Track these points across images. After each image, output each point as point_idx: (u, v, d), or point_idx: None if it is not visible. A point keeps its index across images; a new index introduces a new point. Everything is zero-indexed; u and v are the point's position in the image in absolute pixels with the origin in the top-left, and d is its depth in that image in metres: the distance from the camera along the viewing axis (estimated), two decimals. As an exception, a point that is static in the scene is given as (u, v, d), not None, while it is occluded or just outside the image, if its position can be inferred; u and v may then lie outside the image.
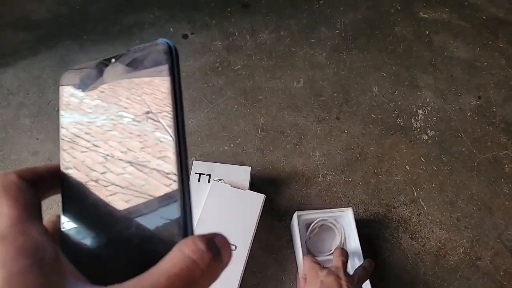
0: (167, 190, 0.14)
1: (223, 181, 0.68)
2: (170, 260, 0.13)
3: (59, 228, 0.17)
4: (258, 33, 1.04)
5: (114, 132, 0.16)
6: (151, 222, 0.15)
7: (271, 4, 1.11)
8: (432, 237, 0.76)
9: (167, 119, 0.15)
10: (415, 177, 0.83)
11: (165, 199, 0.14)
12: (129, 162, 0.15)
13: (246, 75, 0.96)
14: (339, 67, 0.99)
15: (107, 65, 0.18)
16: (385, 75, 0.99)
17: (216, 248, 0.14)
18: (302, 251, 0.66)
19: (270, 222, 0.74)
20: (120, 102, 0.16)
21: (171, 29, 1.04)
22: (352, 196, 0.79)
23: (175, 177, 0.14)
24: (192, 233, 0.14)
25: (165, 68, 0.15)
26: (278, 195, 0.78)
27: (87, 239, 0.16)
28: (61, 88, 0.20)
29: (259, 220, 0.64)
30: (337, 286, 0.52)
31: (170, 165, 0.15)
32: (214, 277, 0.14)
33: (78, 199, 0.17)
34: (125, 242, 0.15)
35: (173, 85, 0.15)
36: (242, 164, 0.81)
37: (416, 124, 0.91)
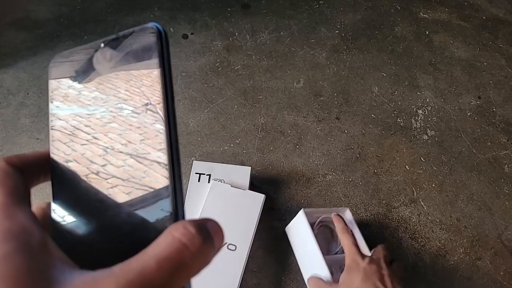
0: (167, 182, 0.14)
1: (223, 181, 0.68)
2: (160, 243, 0.13)
3: (49, 215, 0.17)
4: (258, 33, 1.04)
5: (113, 124, 0.16)
6: (142, 209, 0.15)
7: (271, 5, 1.11)
8: (432, 237, 0.76)
9: (162, 109, 0.15)
10: (415, 177, 0.83)
11: (159, 189, 0.14)
12: (129, 154, 0.15)
13: (246, 75, 0.96)
14: (339, 67, 0.99)
15: (96, 51, 0.17)
16: (385, 75, 0.99)
17: (208, 232, 0.14)
18: (320, 248, 0.59)
19: (270, 222, 0.74)
20: (119, 94, 0.16)
21: (172, 29, 1.04)
22: (352, 196, 0.79)
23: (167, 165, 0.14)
24: (183, 218, 0.14)
25: (154, 52, 0.15)
26: (278, 195, 0.78)
27: (77, 226, 0.16)
28: (51, 80, 0.20)
29: (259, 220, 0.64)
30: (378, 276, 0.51)
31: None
32: (205, 261, 0.14)
33: (68, 186, 0.17)
34: (116, 229, 0.15)
35: (163, 70, 0.15)
36: (242, 164, 0.81)
37: (416, 124, 0.91)
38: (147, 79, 0.15)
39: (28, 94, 0.90)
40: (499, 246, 0.76)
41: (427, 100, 0.95)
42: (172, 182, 0.14)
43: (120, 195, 0.15)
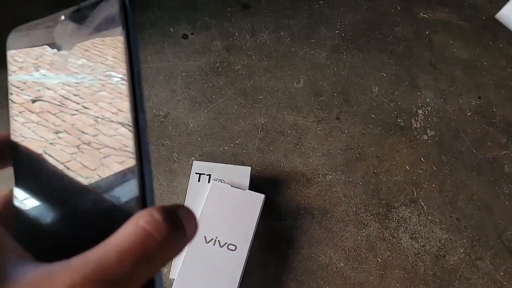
0: (132, 161, 0.14)
1: (223, 181, 0.68)
2: (122, 233, 0.12)
3: (11, 203, 0.16)
4: (258, 33, 1.04)
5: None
6: (108, 195, 0.14)
7: (271, 5, 1.11)
8: (432, 237, 0.76)
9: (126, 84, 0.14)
10: (415, 177, 0.83)
11: (125, 171, 0.14)
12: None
13: (246, 75, 0.96)
14: (339, 67, 0.99)
15: (56, 24, 0.16)
16: (385, 75, 0.99)
17: (177, 220, 0.13)
18: None
19: (270, 222, 0.74)
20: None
21: (171, 29, 1.04)
22: (352, 196, 0.79)
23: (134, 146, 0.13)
24: (152, 204, 0.13)
25: (118, 25, 0.14)
26: (278, 195, 0.78)
27: (41, 213, 0.15)
28: (10, 51, 0.18)
29: (259, 220, 0.64)
30: None
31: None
32: (173, 251, 0.13)
33: (32, 172, 0.16)
34: (81, 216, 0.14)
35: (128, 43, 0.14)
36: (242, 164, 0.81)
37: (416, 124, 0.91)
38: (112, 51, 0.15)
39: (28, 94, 0.90)
40: (499, 246, 0.76)
41: (427, 100, 0.95)
42: (139, 163, 0.13)
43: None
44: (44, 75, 0.17)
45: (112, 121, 0.15)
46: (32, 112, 0.16)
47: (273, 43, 1.02)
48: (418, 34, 1.08)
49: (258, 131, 0.87)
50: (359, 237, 0.75)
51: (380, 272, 0.71)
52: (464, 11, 1.15)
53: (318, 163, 0.83)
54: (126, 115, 0.15)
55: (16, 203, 0.16)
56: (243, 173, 0.69)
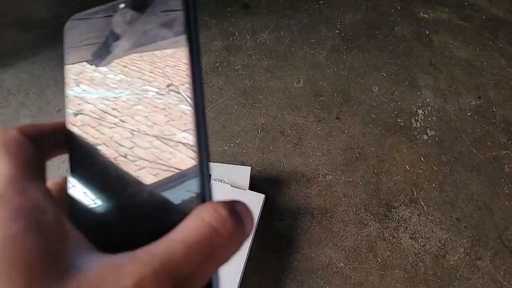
0: (193, 163, 0.14)
1: (223, 181, 0.68)
2: (188, 226, 0.12)
3: (66, 191, 0.16)
4: (258, 33, 1.04)
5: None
6: (165, 187, 0.14)
7: (271, 4, 1.11)
8: (432, 237, 0.76)
9: (188, 91, 0.14)
10: (415, 177, 0.83)
11: (181, 162, 0.14)
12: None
13: (246, 75, 0.96)
14: (339, 67, 0.99)
15: (115, 12, 0.16)
16: (385, 75, 0.99)
17: (239, 216, 0.12)
18: None
19: (270, 222, 0.74)
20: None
21: (171, 29, 1.04)
22: (352, 196, 0.79)
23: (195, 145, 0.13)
24: (210, 199, 0.13)
25: (179, 13, 0.14)
26: (278, 195, 0.78)
27: (96, 204, 0.15)
28: (67, 39, 0.18)
29: (259, 220, 0.64)
30: None
31: (195, 138, 0.14)
32: (236, 248, 0.12)
33: (87, 161, 0.16)
34: (138, 209, 0.14)
35: (189, 32, 0.14)
36: (242, 164, 0.81)
37: (416, 124, 0.91)
38: (171, 57, 0.15)
39: (28, 94, 0.90)
40: (499, 246, 0.76)
41: (427, 100, 0.95)
42: (200, 163, 0.13)
43: (148, 177, 0.14)
44: (84, 90, 0.17)
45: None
46: (74, 125, 0.17)
47: (273, 43, 1.02)
48: (418, 34, 1.08)
49: (258, 131, 0.87)
50: (359, 237, 0.75)
51: (380, 272, 0.71)
52: (464, 11, 1.15)
53: (318, 163, 0.83)
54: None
55: (71, 191, 0.16)
56: (243, 173, 0.69)
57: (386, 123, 0.90)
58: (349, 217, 0.77)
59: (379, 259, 0.73)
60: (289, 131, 0.87)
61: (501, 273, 0.73)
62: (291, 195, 0.78)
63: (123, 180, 0.15)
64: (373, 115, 0.91)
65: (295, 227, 0.75)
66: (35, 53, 0.97)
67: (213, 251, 0.11)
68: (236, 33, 1.04)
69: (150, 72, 0.16)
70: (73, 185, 0.16)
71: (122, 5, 0.16)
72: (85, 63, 0.17)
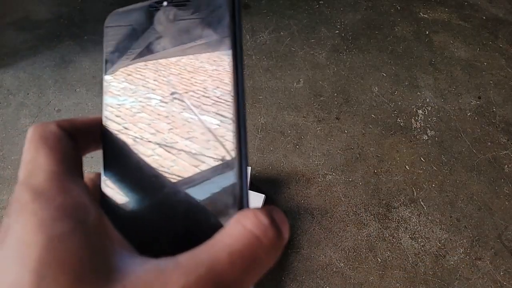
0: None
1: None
2: (230, 233, 0.11)
3: (99, 187, 0.15)
4: (258, 33, 1.04)
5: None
6: (201, 190, 0.14)
7: (271, 5, 1.11)
8: (432, 237, 0.76)
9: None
10: (415, 177, 0.83)
11: (220, 168, 0.13)
12: (158, 143, 0.15)
13: (246, 75, 0.96)
14: (339, 67, 0.99)
15: (158, 9, 0.16)
16: (385, 75, 0.99)
17: (277, 224, 0.12)
18: None
19: (270, 222, 0.74)
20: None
21: (171, 29, 1.04)
22: (352, 196, 0.79)
23: (226, 150, 0.13)
24: (248, 205, 0.13)
25: (224, 14, 0.14)
26: (278, 195, 0.78)
27: (129, 202, 0.15)
28: (107, 33, 0.18)
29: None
30: None
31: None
32: (276, 256, 0.12)
33: (121, 158, 0.15)
34: (172, 209, 0.14)
35: (234, 36, 0.14)
36: (242, 164, 0.81)
37: (416, 124, 0.91)
38: (213, 59, 0.14)
39: (28, 94, 0.90)
40: (499, 246, 0.76)
41: (427, 100, 0.95)
42: (239, 168, 0.13)
43: (185, 178, 0.14)
44: (122, 86, 0.17)
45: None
46: (110, 122, 0.16)
47: (273, 43, 1.02)
48: (418, 34, 1.08)
49: (258, 131, 0.87)
50: (359, 237, 0.75)
51: (380, 272, 0.71)
52: (464, 11, 1.15)
53: (318, 163, 0.83)
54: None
55: (104, 188, 0.15)
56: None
57: (386, 123, 0.90)
58: (349, 217, 0.77)
59: (379, 259, 0.73)
60: (289, 131, 0.87)
61: (501, 273, 0.73)
62: (291, 195, 0.78)
63: (159, 180, 0.14)
64: (373, 115, 0.91)
65: (295, 227, 0.75)
66: (35, 53, 0.97)
67: (256, 260, 0.11)
68: (236, 33, 1.04)
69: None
70: (106, 182, 0.15)
71: (165, 3, 0.16)
72: (124, 58, 0.17)
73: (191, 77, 0.15)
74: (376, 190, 0.80)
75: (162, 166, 0.14)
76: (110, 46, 0.17)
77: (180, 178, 0.14)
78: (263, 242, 0.11)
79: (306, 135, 0.87)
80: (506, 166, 0.86)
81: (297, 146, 0.85)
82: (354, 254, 0.73)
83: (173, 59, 0.16)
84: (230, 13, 0.14)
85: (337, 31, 1.07)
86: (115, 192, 0.15)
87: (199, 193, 0.14)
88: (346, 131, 0.88)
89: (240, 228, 0.12)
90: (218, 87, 0.14)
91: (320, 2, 1.13)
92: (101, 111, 0.17)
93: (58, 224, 0.11)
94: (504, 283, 0.72)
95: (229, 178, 0.13)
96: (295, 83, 0.95)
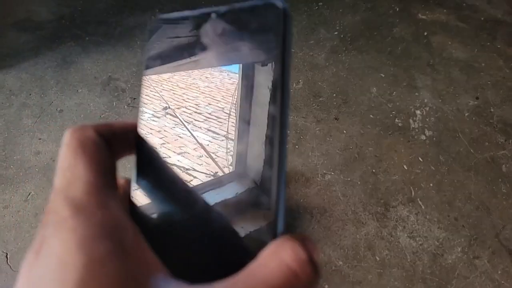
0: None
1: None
2: (267, 266, 0.11)
3: (129, 197, 0.15)
4: (258, 34, 1.05)
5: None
6: (235, 211, 0.13)
7: (271, 6, 1.12)
8: (430, 236, 0.76)
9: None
10: (413, 177, 0.83)
11: (255, 190, 0.13)
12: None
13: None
14: (338, 68, 1.00)
15: (205, 21, 0.15)
16: (383, 76, 1.00)
17: (313, 257, 0.12)
18: None
19: (269, 221, 0.75)
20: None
21: (172, 31, 1.05)
22: (350, 195, 0.80)
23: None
24: (282, 231, 0.12)
25: (273, 40, 0.13)
26: (278, 195, 0.78)
27: (161, 216, 0.14)
28: (152, 38, 0.17)
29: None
30: None
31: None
32: None
33: (155, 168, 0.15)
34: (204, 228, 0.13)
35: (282, 68, 0.13)
36: (242, 163, 0.82)
37: (414, 124, 0.92)
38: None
39: (30, 94, 0.91)
40: (497, 245, 0.76)
41: (425, 100, 0.96)
42: (277, 194, 0.12)
43: (218, 196, 0.14)
44: (161, 94, 0.16)
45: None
46: (147, 128, 0.16)
47: (272, 44, 1.03)
48: (417, 35, 1.09)
49: (257, 131, 0.87)
50: (357, 236, 0.75)
51: (379, 270, 0.72)
52: (462, 12, 1.16)
53: (317, 162, 0.84)
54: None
55: (134, 197, 0.15)
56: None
57: (385, 123, 0.91)
58: (348, 216, 0.77)
59: (377, 258, 0.73)
60: (288, 131, 0.88)
61: (499, 272, 0.73)
62: (291, 195, 0.79)
63: (192, 196, 0.14)
64: (371, 116, 0.92)
65: (294, 226, 0.75)
66: (36, 54, 0.98)
67: None
68: (236, 34, 1.05)
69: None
70: (137, 192, 0.15)
71: (214, 15, 0.15)
72: (166, 66, 0.16)
73: (229, 94, 0.15)
74: (374, 190, 0.81)
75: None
76: (152, 51, 0.17)
77: (214, 200, 0.13)
78: (301, 278, 0.11)
79: (305, 135, 0.87)
80: (503, 166, 0.86)
81: (297, 146, 0.86)
82: (352, 252, 0.74)
83: (216, 73, 0.15)
84: (281, 37, 0.13)
85: (336, 33, 1.08)
86: (146, 203, 0.14)
87: (233, 215, 0.13)
88: (345, 131, 0.89)
89: (278, 262, 0.11)
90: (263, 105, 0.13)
91: (319, 3, 1.14)
92: (135, 116, 0.16)
93: (98, 245, 0.10)
94: (502, 282, 0.72)
95: (265, 201, 0.12)
96: (294, 84, 0.96)
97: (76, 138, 0.13)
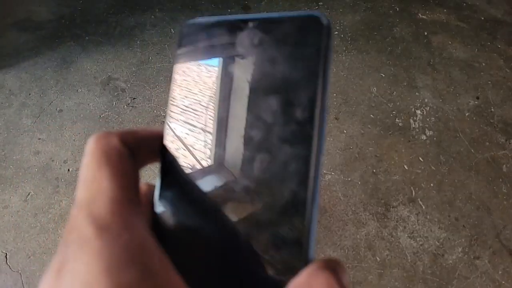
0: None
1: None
2: None
3: (151, 206, 0.14)
4: (258, 34, 1.05)
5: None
6: (264, 235, 0.12)
7: (271, 6, 1.12)
8: (431, 236, 0.76)
9: (313, 134, 0.13)
10: (413, 177, 0.83)
11: (289, 210, 0.12)
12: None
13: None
14: (338, 68, 1.00)
15: (242, 29, 0.14)
16: (383, 75, 1.00)
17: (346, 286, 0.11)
18: None
19: (269, 221, 0.75)
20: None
21: (172, 30, 1.05)
22: (351, 195, 0.80)
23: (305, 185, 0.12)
24: (313, 257, 0.12)
25: (314, 56, 0.12)
26: (278, 195, 0.78)
27: (184, 232, 0.13)
28: (183, 42, 0.16)
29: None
30: None
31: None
32: None
33: (181, 182, 0.14)
34: (231, 252, 0.12)
35: (323, 86, 0.12)
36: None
37: (415, 124, 0.92)
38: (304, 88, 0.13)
39: (29, 94, 0.91)
40: (497, 245, 0.76)
41: (426, 100, 0.96)
42: (310, 206, 0.12)
43: (247, 218, 0.13)
44: (190, 103, 0.16)
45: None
46: (173, 138, 0.15)
47: (272, 44, 1.03)
48: (417, 35, 1.08)
49: (257, 131, 0.87)
50: (358, 236, 0.75)
51: (379, 271, 0.72)
52: (463, 11, 1.16)
53: (317, 162, 0.83)
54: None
55: (158, 210, 0.14)
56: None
57: (385, 123, 0.91)
58: (348, 217, 0.77)
59: (378, 258, 0.73)
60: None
61: (500, 272, 0.73)
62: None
63: (218, 216, 0.13)
64: (371, 116, 0.92)
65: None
66: (36, 54, 0.98)
67: None
68: (236, 34, 1.05)
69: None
70: (161, 205, 0.14)
71: (251, 24, 0.14)
72: (198, 71, 0.15)
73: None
74: (375, 190, 0.81)
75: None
76: (184, 56, 0.16)
77: (241, 218, 0.13)
78: None
79: (305, 135, 0.87)
80: (504, 165, 0.86)
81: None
82: (353, 253, 0.73)
83: (253, 87, 0.14)
84: (322, 55, 0.12)
85: (336, 32, 1.07)
86: (170, 216, 0.14)
87: (262, 239, 0.12)
88: (345, 131, 0.89)
89: None
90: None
91: (319, 3, 1.14)
92: (135, 116, 0.15)
93: (125, 270, 0.10)
94: (503, 282, 0.72)
95: (297, 226, 0.12)
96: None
97: (100, 148, 0.12)
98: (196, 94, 0.15)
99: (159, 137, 0.15)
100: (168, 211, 0.14)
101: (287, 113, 0.13)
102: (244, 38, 0.14)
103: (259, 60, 0.14)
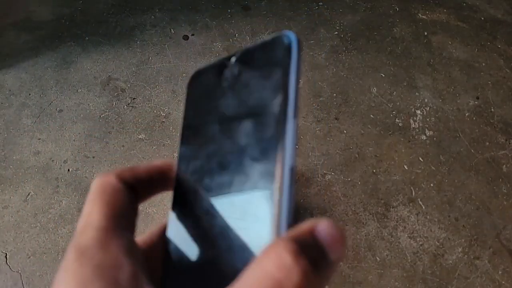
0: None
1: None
2: (250, 278, 0.10)
3: (163, 243, 0.15)
4: (258, 34, 1.05)
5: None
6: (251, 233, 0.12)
7: (271, 6, 1.12)
8: (431, 237, 0.76)
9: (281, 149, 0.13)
10: (413, 177, 0.83)
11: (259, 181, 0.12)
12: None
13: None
14: (338, 68, 1.00)
15: (227, 66, 0.15)
16: (383, 76, 1.00)
17: (315, 251, 0.10)
18: None
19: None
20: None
21: (172, 31, 1.05)
22: (351, 195, 0.80)
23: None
24: (285, 228, 0.11)
25: (279, 73, 0.13)
26: (278, 195, 0.78)
27: (191, 253, 0.14)
28: (189, 97, 0.17)
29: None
30: None
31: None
32: None
33: (189, 207, 0.15)
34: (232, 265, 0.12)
35: (285, 100, 0.12)
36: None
37: (415, 124, 0.92)
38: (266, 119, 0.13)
39: (29, 94, 0.91)
40: (497, 245, 0.76)
41: (426, 100, 0.96)
42: (281, 186, 0.12)
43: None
44: (197, 146, 0.16)
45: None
46: (185, 174, 0.16)
47: (272, 44, 1.03)
48: (417, 35, 1.08)
49: (257, 131, 0.87)
50: (358, 236, 0.75)
51: (379, 271, 0.72)
52: (463, 12, 1.16)
53: (317, 162, 0.83)
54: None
55: (168, 234, 0.15)
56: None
57: (385, 123, 0.91)
58: (348, 217, 0.77)
59: (378, 258, 0.73)
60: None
61: (500, 272, 0.73)
62: (290, 195, 0.79)
63: (224, 237, 0.13)
64: (371, 116, 0.92)
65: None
66: (36, 54, 0.98)
67: None
68: (236, 35, 1.05)
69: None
70: (171, 241, 0.14)
71: (233, 59, 0.15)
72: (202, 121, 0.16)
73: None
74: (375, 190, 0.81)
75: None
76: (190, 109, 0.17)
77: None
78: (285, 286, 0.10)
79: (305, 135, 0.87)
80: (504, 166, 0.86)
81: (296, 146, 0.86)
82: (353, 253, 0.73)
83: (233, 116, 0.14)
84: (286, 72, 0.13)
85: (336, 32, 1.07)
86: (179, 242, 0.14)
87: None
88: (345, 131, 0.89)
89: (260, 273, 0.10)
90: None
91: (319, 3, 1.14)
92: (134, 116, 0.15)
93: (94, 283, 0.11)
94: (503, 282, 0.72)
95: (267, 199, 0.12)
96: (294, 84, 0.96)
97: (98, 185, 0.14)
98: (197, 140, 0.16)
99: (161, 170, 0.16)
100: (176, 235, 0.15)
101: (256, 132, 0.13)
102: (227, 75, 0.15)
103: (238, 90, 0.14)
